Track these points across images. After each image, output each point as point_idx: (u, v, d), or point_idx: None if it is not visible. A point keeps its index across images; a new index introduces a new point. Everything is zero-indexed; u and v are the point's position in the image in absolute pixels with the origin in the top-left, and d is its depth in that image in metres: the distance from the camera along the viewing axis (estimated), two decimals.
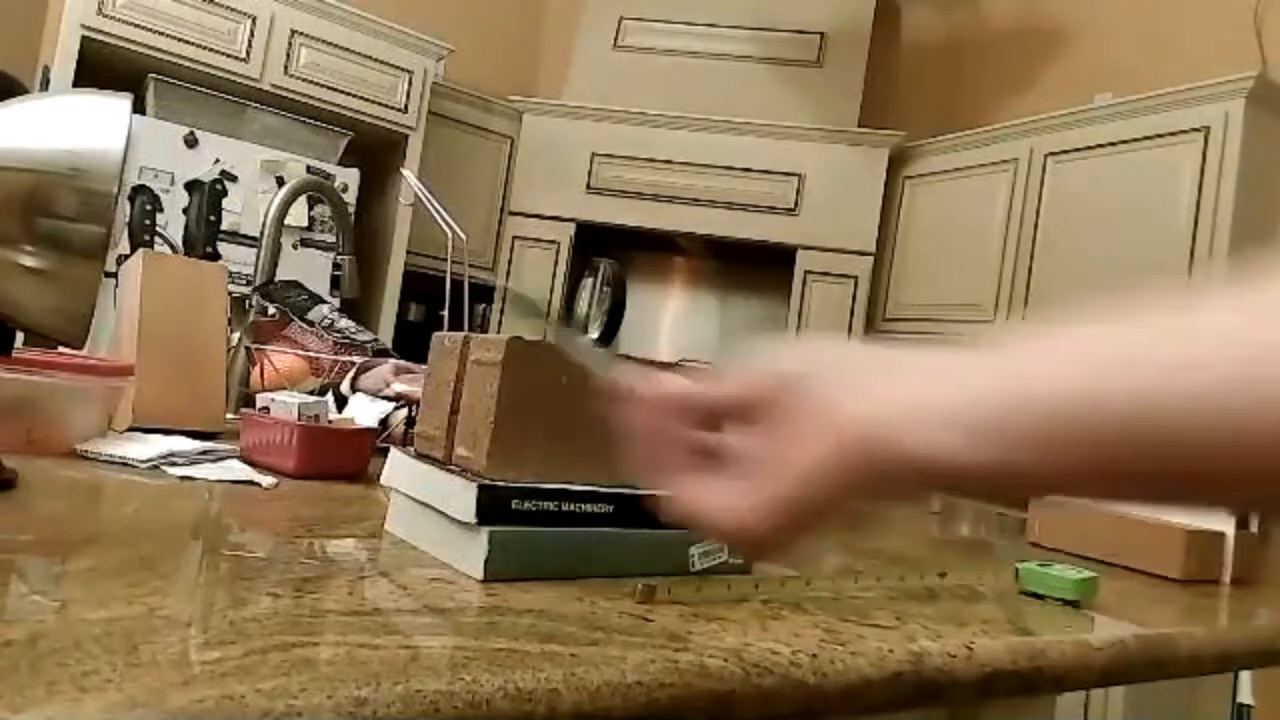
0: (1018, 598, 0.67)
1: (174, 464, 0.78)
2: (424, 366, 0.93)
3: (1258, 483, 0.28)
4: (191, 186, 2.75)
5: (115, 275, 1.07)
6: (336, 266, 1.55)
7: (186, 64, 2.84)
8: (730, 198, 3.53)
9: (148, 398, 0.92)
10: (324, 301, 1.36)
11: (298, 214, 2.85)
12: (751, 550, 0.38)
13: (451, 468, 0.58)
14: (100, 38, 2.69)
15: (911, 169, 3.52)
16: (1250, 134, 2.55)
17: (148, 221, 2.56)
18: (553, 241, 3.65)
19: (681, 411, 0.37)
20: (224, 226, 2.78)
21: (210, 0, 2.86)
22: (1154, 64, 2.97)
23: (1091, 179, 2.89)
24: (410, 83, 3.25)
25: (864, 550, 0.88)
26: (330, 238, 2.92)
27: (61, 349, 0.86)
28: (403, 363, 1.18)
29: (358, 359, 1.21)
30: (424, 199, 1.43)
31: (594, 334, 1.50)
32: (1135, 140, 2.78)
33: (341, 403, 1.11)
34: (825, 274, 3.46)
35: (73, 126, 0.62)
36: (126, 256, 1.10)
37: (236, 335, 1.31)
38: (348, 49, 3.11)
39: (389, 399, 1.08)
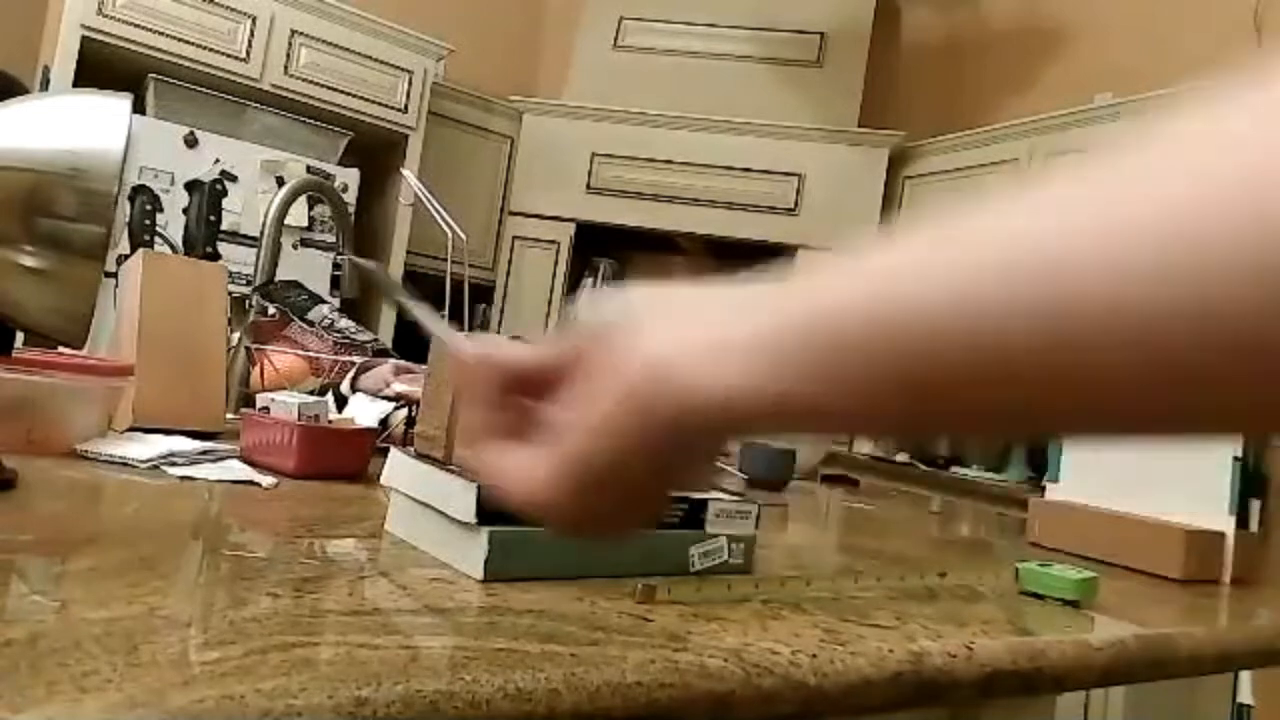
0: (1018, 598, 0.67)
1: (174, 464, 0.78)
2: (424, 366, 0.93)
3: (1031, 403, 0.24)
4: (191, 186, 2.75)
5: (115, 275, 1.07)
6: (336, 266, 1.55)
7: (186, 64, 2.84)
8: (730, 198, 3.53)
9: (148, 398, 0.92)
10: (324, 301, 1.36)
11: (298, 214, 2.85)
12: (553, 521, 0.33)
13: (451, 468, 0.58)
14: (100, 38, 2.69)
15: (911, 169, 3.52)
16: None
17: (148, 221, 2.56)
18: (553, 241, 3.65)
19: (508, 380, 0.34)
20: (224, 226, 2.78)
21: (210, 0, 2.86)
22: (1154, 64, 2.97)
23: None
24: (410, 83, 3.25)
25: (864, 550, 0.89)
26: (330, 238, 2.92)
27: (61, 349, 0.86)
28: (403, 363, 1.18)
29: (358, 359, 1.21)
30: (424, 199, 1.43)
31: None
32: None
33: (341, 403, 1.11)
34: None
35: (73, 126, 0.62)
36: (126, 256, 1.10)
37: (236, 335, 1.31)
38: (348, 49, 3.11)
39: (389, 399, 1.08)
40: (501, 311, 3.66)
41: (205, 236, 2.71)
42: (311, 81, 3.05)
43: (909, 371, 0.25)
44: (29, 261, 0.60)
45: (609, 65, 3.71)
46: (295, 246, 2.85)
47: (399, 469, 0.63)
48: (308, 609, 0.42)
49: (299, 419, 0.83)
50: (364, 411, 1.04)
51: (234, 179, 2.82)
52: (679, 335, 0.30)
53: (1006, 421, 0.26)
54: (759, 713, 0.43)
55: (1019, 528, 1.13)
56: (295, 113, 3.04)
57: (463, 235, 1.34)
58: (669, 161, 3.57)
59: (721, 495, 0.64)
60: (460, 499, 0.54)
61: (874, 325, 0.25)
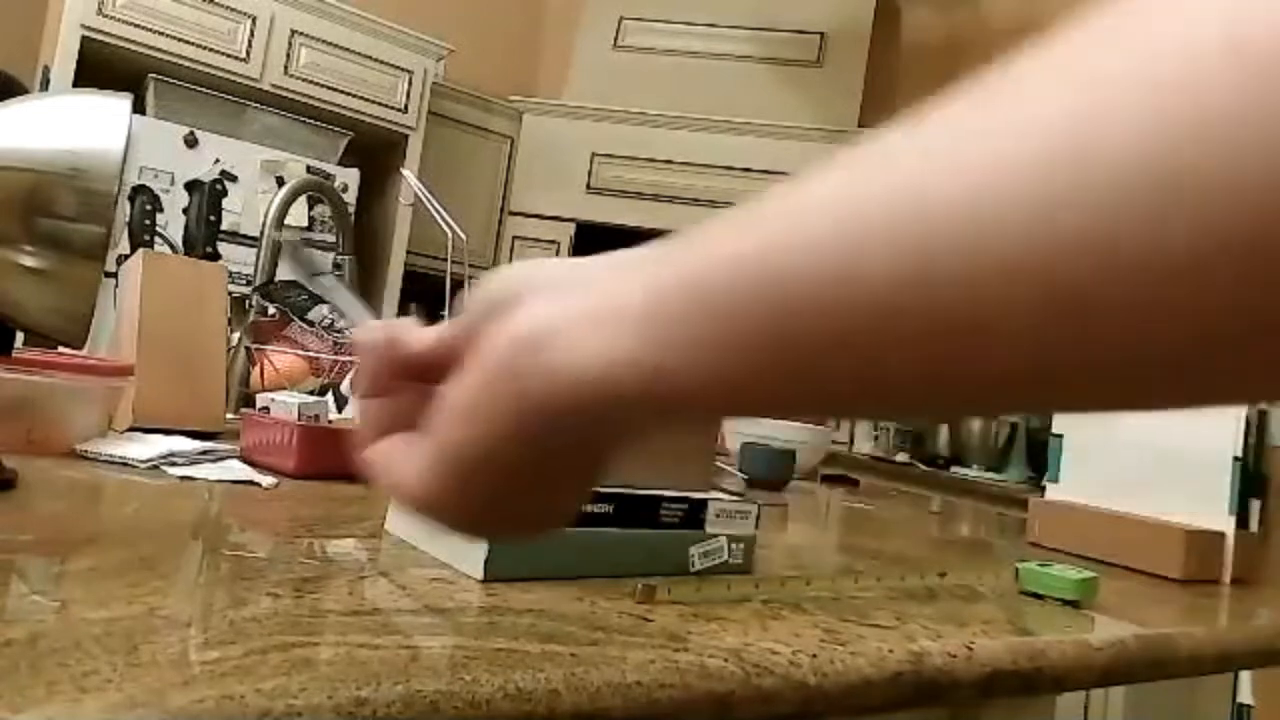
0: (1018, 598, 0.67)
1: (174, 464, 0.78)
2: None
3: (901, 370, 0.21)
4: (191, 186, 2.75)
5: (115, 275, 1.07)
6: (336, 266, 1.55)
7: (186, 64, 2.84)
8: (730, 198, 3.52)
9: (148, 398, 0.92)
10: (324, 301, 1.36)
11: (298, 214, 2.85)
12: (438, 519, 0.30)
13: None
14: (100, 38, 2.69)
15: None
16: None
17: (148, 221, 2.56)
18: (553, 241, 3.65)
19: (408, 366, 0.31)
20: (224, 226, 2.78)
21: (210, 0, 2.86)
22: None
23: None
24: (410, 83, 3.25)
25: (864, 550, 0.89)
26: (330, 238, 2.92)
27: (61, 349, 0.86)
28: None
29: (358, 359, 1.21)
30: (424, 199, 1.43)
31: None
32: None
33: (341, 403, 1.11)
34: None
35: (73, 126, 0.62)
36: (126, 256, 1.10)
37: (236, 335, 1.31)
38: (348, 49, 3.11)
39: None
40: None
41: (205, 236, 2.71)
42: (311, 81, 3.05)
43: (781, 332, 0.22)
44: (29, 261, 0.60)
45: (609, 65, 3.71)
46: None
47: None
48: (308, 609, 0.42)
49: (299, 419, 0.83)
50: None
51: (234, 179, 2.82)
52: (555, 307, 0.26)
53: (894, 386, 0.22)
54: (759, 713, 0.43)
55: (1019, 528, 1.13)
56: (295, 113, 3.04)
57: (463, 235, 1.34)
58: (669, 161, 3.57)
59: (721, 495, 0.64)
60: None
61: (741, 282, 0.22)
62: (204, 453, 0.83)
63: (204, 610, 0.40)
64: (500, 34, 3.99)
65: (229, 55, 2.91)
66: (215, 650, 0.35)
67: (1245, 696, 1.77)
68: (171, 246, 2.04)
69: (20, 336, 0.75)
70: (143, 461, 0.76)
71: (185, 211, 2.74)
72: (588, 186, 3.62)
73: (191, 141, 2.77)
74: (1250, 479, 0.88)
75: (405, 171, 2.06)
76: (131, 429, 0.90)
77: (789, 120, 3.49)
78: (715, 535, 0.61)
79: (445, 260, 1.37)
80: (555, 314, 0.26)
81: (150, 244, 2.32)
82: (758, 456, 1.30)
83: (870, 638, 0.50)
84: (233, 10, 2.90)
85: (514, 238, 3.67)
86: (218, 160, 2.80)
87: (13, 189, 0.60)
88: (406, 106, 3.24)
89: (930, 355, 0.20)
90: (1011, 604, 0.65)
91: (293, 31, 3.01)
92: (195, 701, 0.30)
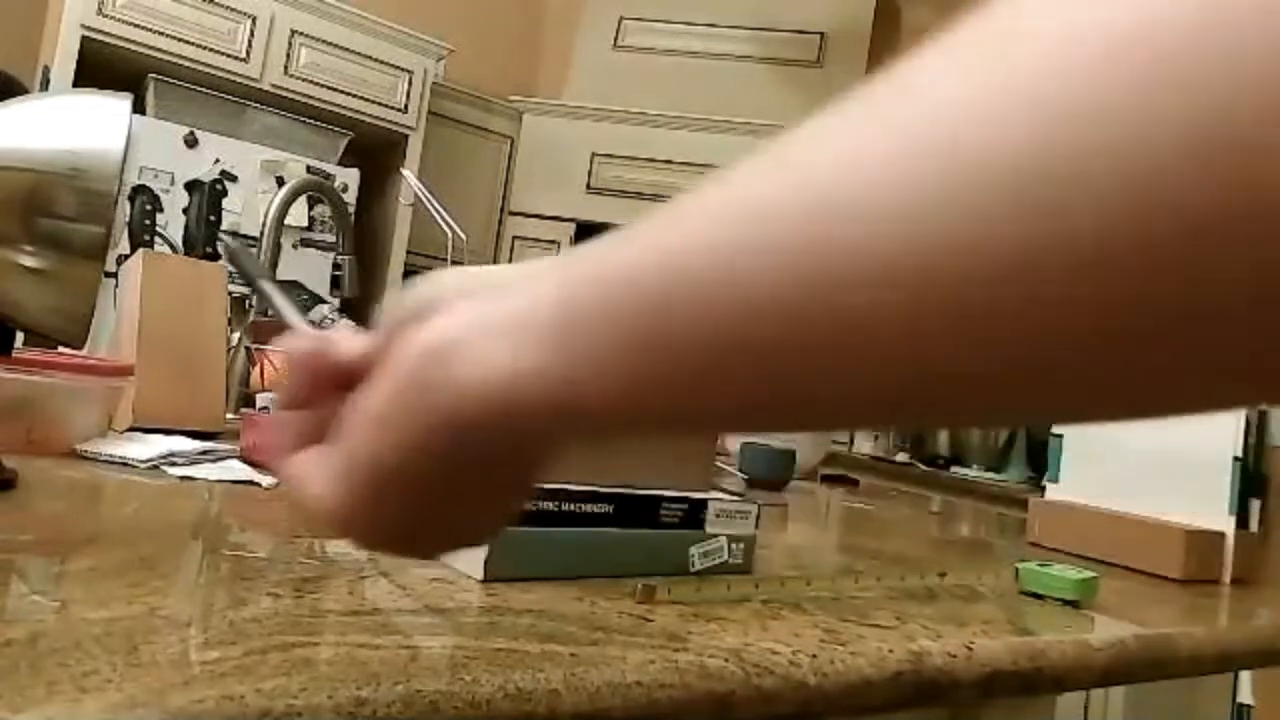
0: (1018, 598, 0.67)
1: (174, 464, 0.78)
2: None
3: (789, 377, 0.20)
4: (191, 186, 2.75)
5: (115, 275, 1.07)
6: (336, 266, 1.55)
7: (186, 64, 2.83)
8: None
9: (148, 398, 0.92)
10: (324, 301, 1.36)
11: (298, 214, 2.85)
12: (348, 534, 0.29)
13: None
14: (100, 38, 2.69)
15: None
16: None
17: (148, 221, 2.56)
18: (553, 241, 3.65)
19: (336, 375, 0.30)
20: (224, 226, 2.78)
21: (210, 0, 2.86)
22: None
23: None
24: (410, 83, 3.24)
25: (864, 550, 0.89)
26: (330, 238, 2.92)
27: (61, 349, 0.86)
28: None
29: None
30: (424, 199, 1.43)
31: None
32: None
33: None
34: None
35: (73, 126, 0.62)
36: (126, 256, 1.10)
37: (236, 335, 1.31)
38: (348, 49, 3.11)
39: None
40: None
41: (205, 236, 2.71)
42: (311, 81, 3.05)
43: (678, 336, 0.21)
44: (29, 261, 0.60)
45: (609, 65, 3.71)
46: (295, 246, 2.85)
47: None
48: (308, 609, 0.42)
49: None
50: None
51: (234, 179, 2.82)
52: (466, 316, 0.25)
53: (801, 396, 0.21)
54: (759, 713, 0.43)
55: (1019, 528, 1.13)
56: (295, 113, 3.04)
57: (463, 235, 1.34)
58: (669, 161, 3.57)
59: (721, 495, 0.64)
60: None
61: (641, 288, 0.22)
62: (204, 453, 0.83)
63: (204, 610, 0.40)
64: (500, 34, 3.99)
65: (229, 55, 2.90)
66: (215, 650, 0.35)
67: (1245, 696, 1.77)
68: (171, 246, 2.04)
69: (20, 336, 0.75)
70: (143, 461, 0.76)
71: (185, 211, 2.74)
72: (588, 186, 3.62)
73: (191, 141, 2.76)
74: (1250, 479, 0.88)
75: (405, 171, 2.06)
76: (131, 429, 0.90)
77: (789, 121, 3.45)
78: (715, 535, 0.61)
79: (445, 260, 1.37)
80: (464, 324, 0.25)
81: (150, 244, 2.32)
82: (758, 456, 1.30)
83: (870, 638, 0.50)
84: (233, 10, 2.90)
85: (514, 238, 3.67)
86: (218, 160, 2.80)
87: (13, 189, 0.60)
88: (406, 106, 3.24)
89: (825, 364, 0.19)
90: (1011, 604, 0.65)
91: (293, 31, 3.01)
92: (195, 701, 0.30)
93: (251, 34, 2.94)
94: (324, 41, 3.07)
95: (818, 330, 0.19)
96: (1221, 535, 0.87)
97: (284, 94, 3.01)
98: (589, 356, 0.22)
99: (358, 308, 2.81)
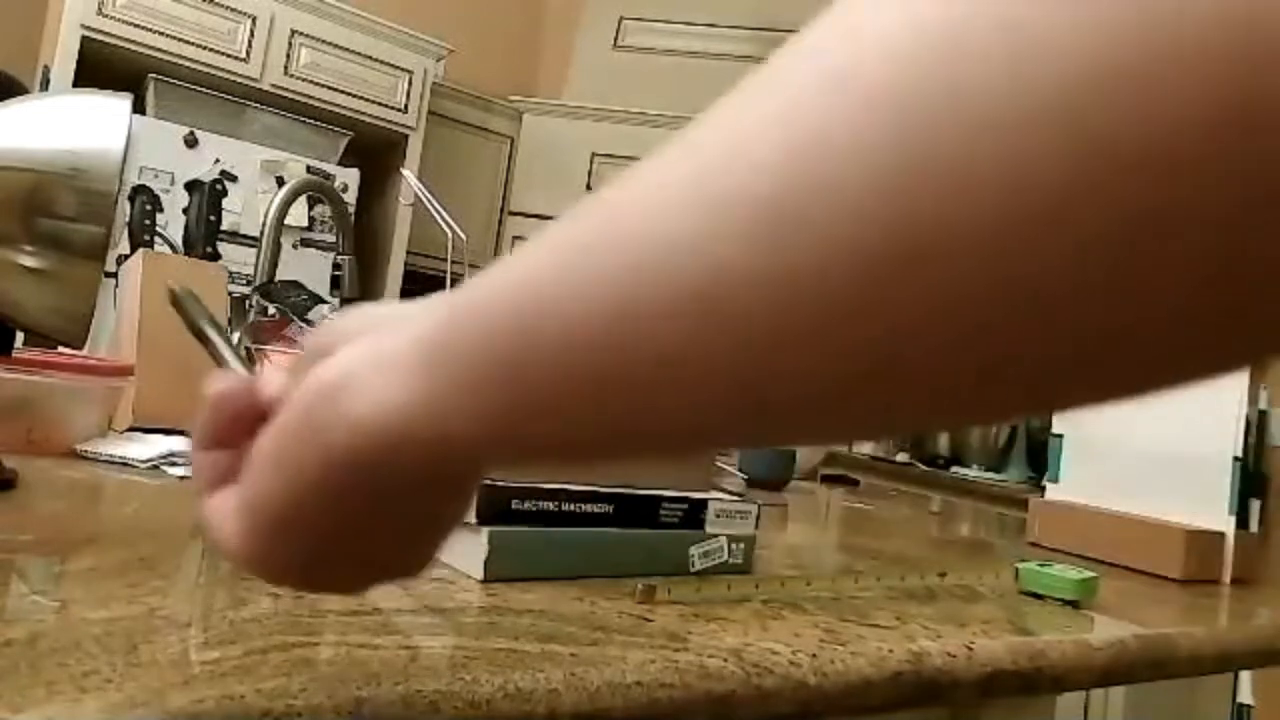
0: (1018, 598, 0.67)
1: (174, 464, 0.78)
2: None
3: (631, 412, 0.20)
4: (191, 186, 2.75)
5: (115, 275, 1.07)
6: (336, 267, 1.55)
7: (186, 64, 2.83)
8: None
9: (148, 398, 0.92)
10: (324, 301, 1.36)
11: (298, 214, 2.85)
12: (254, 572, 0.28)
13: None
14: (100, 38, 2.69)
15: None
16: None
17: (148, 221, 2.56)
18: None
19: (248, 418, 0.29)
20: (224, 226, 2.78)
21: (210, 0, 2.86)
22: None
23: None
24: (410, 83, 3.24)
25: (864, 550, 0.89)
26: (330, 238, 2.92)
27: (61, 349, 0.86)
28: None
29: None
30: (424, 199, 1.43)
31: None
32: None
33: None
34: None
35: (73, 126, 0.62)
36: (126, 256, 1.10)
37: (236, 335, 1.31)
38: (348, 49, 3.11)
39: None
40: None
41: (205, 236, 2.71)
42: (311, 81, 3.05)
43: (527, 368, 0.21)
44: (29, 261, 0.60)
45: (609, 65, 3.71)
46: (295, 246, 2.85)
47: None
48: (308, 609, 0.42)
49: None
50: None
51: (234, 179, 2.82)
52: (361, 350, 0.25)
53: (654, 425, 0.21)
54: (759, 713, 0.43)
55: (1019, 528, 1.13)
56: (295, 113, 3.04)
57: (463, 235, 1.34)
58: None
59: (721, 495, 0.64)
60: None
61: (494, 319, 0.22)
62: None
63: (204, 610, 0.40)
64: (500, 34, 3.99)
65: (229, 55, 2.90)
66: (215, 650, 0.35)
67: (1245, 696, 1.77)
68: (171, 246, 2.04)
69: (20, 336, 0.75)
70: (143, 461, 0.76)
71: (185, 211, 2.74)
72: (588, 187, 3.62)
73: (191, 141, 2.76)
74: (1250, 479, 0.88)
75: (405, 171, 2.06)
76: (131, 429, 0.90)
77: None
78: (715, 535, 0.61)
79: (445, 260, 1.37)
80: (358, 358, 0.25)
81: (150, 244, 2.32)
82: (758, 456, 1.30)
83: (870, 638, 0.50)
84: (233, 10, 2.90)
85: (514, 238, 3.67)
86: (218, 160, 2.80)
87: (13, 189, 0.60)
88: (406, 106, 3.24)
89: (650, 394, 0.20)
90: (1011, 604, 0.65)
91: (293, 31, 3.01)
92: (195, 701, 0.30)
93: (251, 34, 2.94)
94: (324, 41, 3.07)
95: (635, 360, 0.19)
96: (1221, 535, 0.87)
97: (284, 94, 3.01)
98: (450, 389, 0.23)
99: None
